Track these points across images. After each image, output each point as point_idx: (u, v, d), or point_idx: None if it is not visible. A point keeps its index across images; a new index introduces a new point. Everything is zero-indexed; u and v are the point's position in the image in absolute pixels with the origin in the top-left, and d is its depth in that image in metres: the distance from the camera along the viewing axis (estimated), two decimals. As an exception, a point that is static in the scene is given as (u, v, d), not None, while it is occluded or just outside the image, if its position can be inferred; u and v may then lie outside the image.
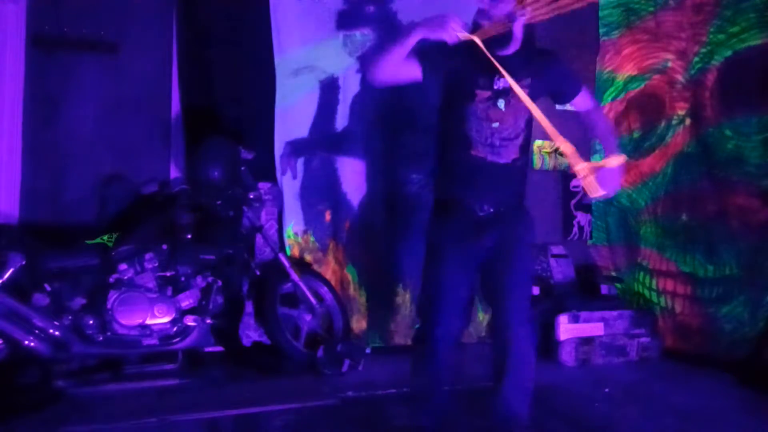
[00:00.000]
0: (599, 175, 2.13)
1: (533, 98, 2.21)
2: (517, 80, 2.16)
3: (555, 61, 2.39)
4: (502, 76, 2.16)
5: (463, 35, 2.14)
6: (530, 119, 2.31)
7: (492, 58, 2.14)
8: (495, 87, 2.23)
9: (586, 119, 2.45)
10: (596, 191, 2.10)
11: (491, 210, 2.27)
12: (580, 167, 2.13)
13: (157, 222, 3.38)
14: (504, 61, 2.18)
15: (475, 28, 2.23)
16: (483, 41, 2.17)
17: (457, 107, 2.27)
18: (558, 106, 4.93)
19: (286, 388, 3.30)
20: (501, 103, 2.23)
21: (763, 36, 3.78)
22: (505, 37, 2.24)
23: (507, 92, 2.21)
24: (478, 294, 4.31)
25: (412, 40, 2.17)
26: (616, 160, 2.23)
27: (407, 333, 4.08)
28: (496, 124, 2.23)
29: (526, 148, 2.35)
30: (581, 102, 2.42)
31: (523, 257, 2.32)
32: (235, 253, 3.58)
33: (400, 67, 2.23)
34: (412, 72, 2.25)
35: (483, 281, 2.35)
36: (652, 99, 4.47)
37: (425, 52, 2.26)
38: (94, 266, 3.22)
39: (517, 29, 2.26)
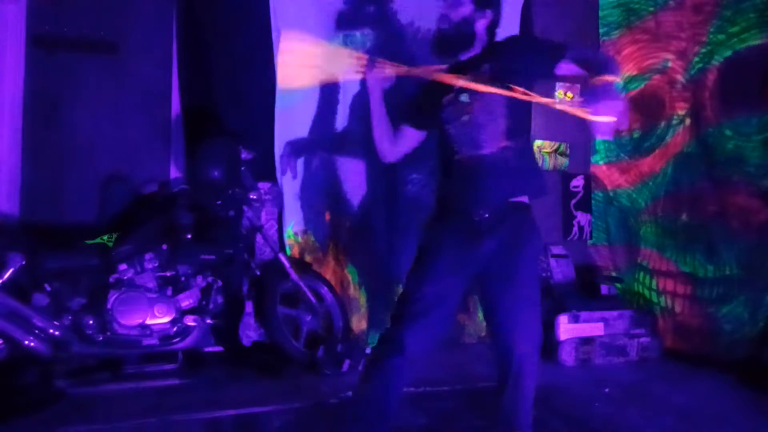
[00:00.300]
0: (590, 99, 1.83)
1: (500, 80, 2.11)
2: (476, 70, 2.16)
3: (519, 41, 2.31)
4: (462, 77, 2.17)
5: (393, 70, 2.30)
6: (511, 105, 2.14)
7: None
8: (455, 87, 2.20)
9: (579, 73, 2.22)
10: (598, 119, 1.80)
11: (486, 215, 2.12)
12: (558, 99, 2.02)
13: (157, 222, 3.38)
14: (466, 63, 2.22)
15: (436, 33, 2.28)
16: (443, 46, 2.26)
17: (438, 120, 2.26)
18: (558, 107, 4.94)
19: (286, 388, 3.30)
20: (464, 97, 2.18)
21: (763, 36, 3.78)
22: (467, 41, 2.24)
23: (466, 88, 2.18)
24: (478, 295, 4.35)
25: (375, 99, 2.37)
26: (608, 77, 1.90)
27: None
28: (466, 117, 2.16)
29: (516, 135, 2.16)
30: (568, 69, 2.17)
31: (527, 268, 2.14)
32: (235, 253, 3.58)
33: (400, 139, 2.40)
34: (414, 134, 2.40)
35: (482, 295, 2.20)
36: (652, 99, 4.47)
37: (407, 109, 2.39)
38: (94, 266, 3.22)
39: (480, 30, 2.26)
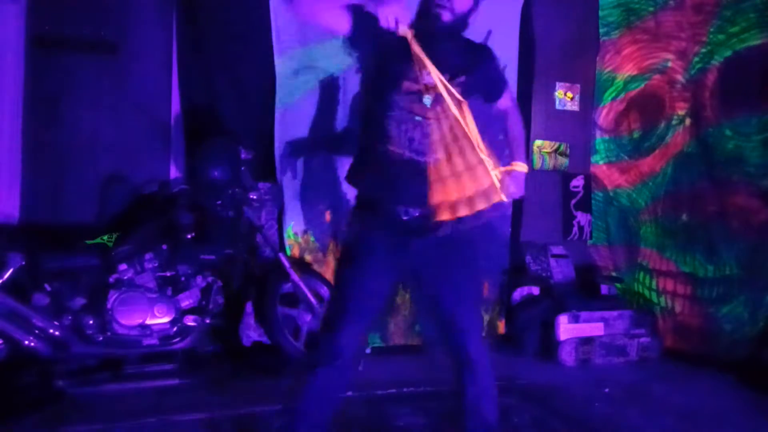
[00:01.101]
0: (507, 179, 2.11)
1: (465, 96, 2.02)
2: (452, 77, 2.02)
3: (489, 57, 2.19)
4: (430, 72, 2.00)
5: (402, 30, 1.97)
6: (459, 127, 2.04)
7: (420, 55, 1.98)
8: (424, 81, 2.01)
9: (504, 119, 2.30)
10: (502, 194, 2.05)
11: (416, 214, 2.03)
12: (496, 171, 2.05)
13: (157, 222, 3.38)
14: (437, 54, 2.02)
15: (432, 22, 2.04)
16: (437, 36, 2.05)
17: (382, 97, 2.06)
18: (558, 106, 4.92)
19: (286, 388, 3.29)
20: (427, 100, 2.02)
21: (763, 36, 3.78)
22: (460, 32, 2.11)
23: (434, 89, 2.01)
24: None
25: None
26: (521, 167, 2.19)
27: (407, 333, 4.08)
28: (419, 118, 2.02)
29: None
30: (503, 100, 2.27)
31: (464, 266, 2.10)
32: (235, 253, 3.58)
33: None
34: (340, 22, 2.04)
35: (421, 296, 2.15)
36: (652, 99, 4.47)
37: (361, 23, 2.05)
38: (94, 266, 3.22)
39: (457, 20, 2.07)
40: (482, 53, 2.19)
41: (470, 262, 2.13)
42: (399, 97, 2.04)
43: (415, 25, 2.02)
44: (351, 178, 2.19)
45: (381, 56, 2.09)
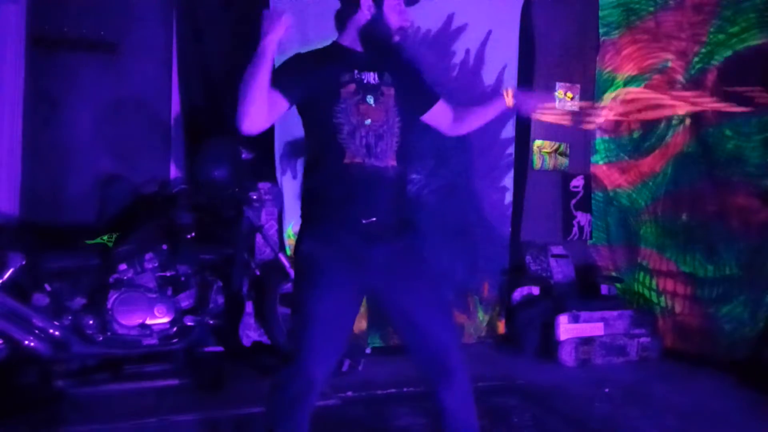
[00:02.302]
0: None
1: (397, 94, 2.02)
2: (379, 74, 2.02)
3: (410, 61, 2.22)
4: (364, 70, 2.00)
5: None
6: (405, 125, 2.04)
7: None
8: (363, 80, 1.99)
9: (457, 118, 2.27)
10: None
11: (375, 219, 1.95)
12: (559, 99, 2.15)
13: (157, 222, 3.38)
14: (360, 56, 2.05)
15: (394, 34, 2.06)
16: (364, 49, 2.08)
17: (324, 110, 1.97)
18: (558, 106, 4.90)
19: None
20: (370, 99, 1.98)
21: (763, 36, 3.78)
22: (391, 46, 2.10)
23: (375, 88, 1.99)
24: (478, 297, 4.34)
25: (268, 49, 2.01)
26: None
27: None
28: (368, 121, 1.96)
29: (403, 157, 2.03)
30: (442, 111, 2.23)
31: (427, 274, 2.04)
32: (235, 253, 3.58)
33: (266, 104, 1.96)
34: (279, 104, 1.99)
35: (389, 306, 2.01)
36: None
37: (277, 75, 2.03)
38: (94, 266, 3.22)
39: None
40: (401, 55, 2.18)
41: (429, 268, 2.07)
42: (343, 103, 1.97)
43: (361, 44, 2.08)
44: (307, 198, 2.06)
45: (309, 77, 2.01)
